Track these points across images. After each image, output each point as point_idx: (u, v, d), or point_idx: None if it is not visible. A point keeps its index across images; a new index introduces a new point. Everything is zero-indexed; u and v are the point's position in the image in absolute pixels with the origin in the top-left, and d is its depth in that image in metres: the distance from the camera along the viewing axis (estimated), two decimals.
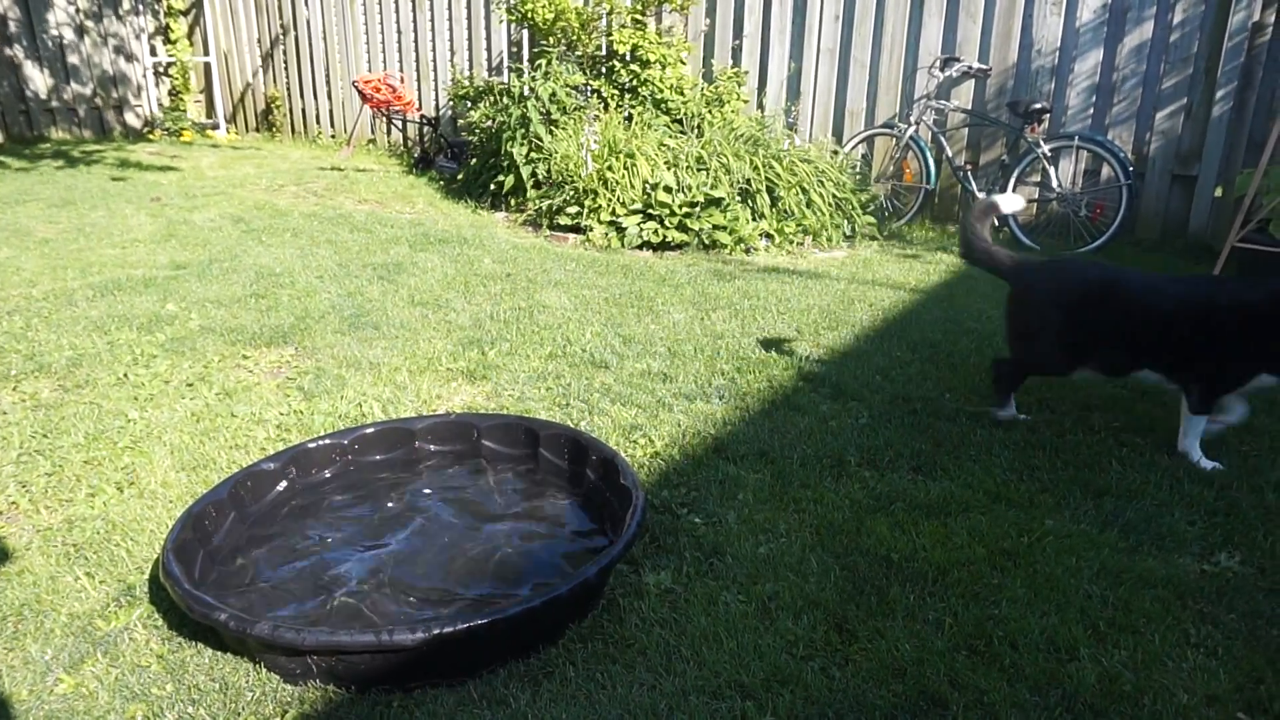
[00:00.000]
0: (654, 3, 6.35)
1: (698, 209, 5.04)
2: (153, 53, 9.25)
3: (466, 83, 7.29)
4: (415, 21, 7.97)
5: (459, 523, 2.17)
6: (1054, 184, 5.39)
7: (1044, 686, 1.62)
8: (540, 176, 5.73)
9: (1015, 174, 5.47)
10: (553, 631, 1.73)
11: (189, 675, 1.65)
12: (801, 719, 1.55)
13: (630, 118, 5.94)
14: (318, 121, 8.99)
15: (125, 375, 3.01)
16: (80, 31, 8.61)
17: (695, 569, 1.98)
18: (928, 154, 5.73)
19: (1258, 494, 2.32)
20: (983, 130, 5.77)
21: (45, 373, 3.03)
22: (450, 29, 7.76)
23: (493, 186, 6.06)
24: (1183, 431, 2.51)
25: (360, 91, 7.39)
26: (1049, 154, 5.32)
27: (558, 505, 2.25)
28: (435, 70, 7.98)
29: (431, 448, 2.46)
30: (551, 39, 6.41)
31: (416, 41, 8.01)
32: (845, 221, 5.42)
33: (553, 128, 5.86)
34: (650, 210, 5.08)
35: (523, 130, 5.84)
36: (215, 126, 9.51)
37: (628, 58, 6.26)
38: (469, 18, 7.63)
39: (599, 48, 6.50)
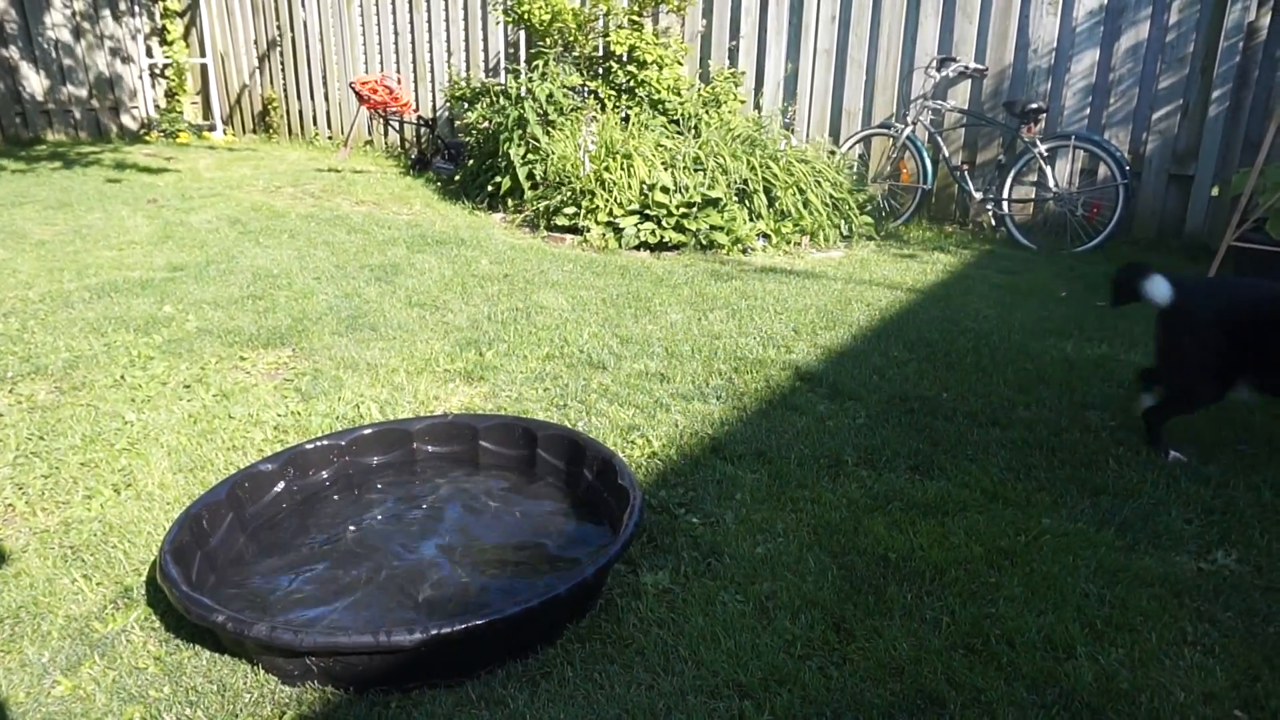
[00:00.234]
0: (651, 4, 6.35)
1: (695, 209, 5.05)
2: (149, 54, 9.24)
3: (463, 84, 7.29)
4: (412, 23, 7.96)
5: (456, 523, 2.17)
6: (1050, 183, 5.40)
7: (1041, 685, 1.62)
8: (537, 177, 5.73)
9: (1012, 174, 5.48)
10: (551, 632, 1.73)
11: (187, 677, 1.65)
12: (799, 718, 1.55)
13: (627, 118, 5.94)
14: (315, 123, 8.98)
15: (122, 377, 3.01)
16: (76, 33, 8.60)
17: (693, 569, 1.98)
18: (924, 154, 5.74)
19: (1254, 492, 2.32)
20: (979, 130, 5.78)
21: (42, 375, 3.03)
22: (447, 30, 7.76)
23: (490, 187, 6.06)
24: None
25: (357, 93, 7.39)
26: (1045, 154, 5.33)
27: (555, 506, 2.25)
28: (432, 71, 7.97)
29: (429, 449, 2.46)
30: (548, 40, 6.41)
31: (413, 43, 8.01)
32: (842, 221, 5.42)
33: (550, 129, 5.86)
34: (647, 211, 5.09)
35: (520, 131, 5.84)
36: (212, 128, 9.50)
37: (625, 58, 6.26)
38: (466, 19, 7.63)
39: (596, 48, 6.51)
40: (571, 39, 6.40)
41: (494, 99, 6.41)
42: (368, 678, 1.60)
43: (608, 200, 5.22)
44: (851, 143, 6.07)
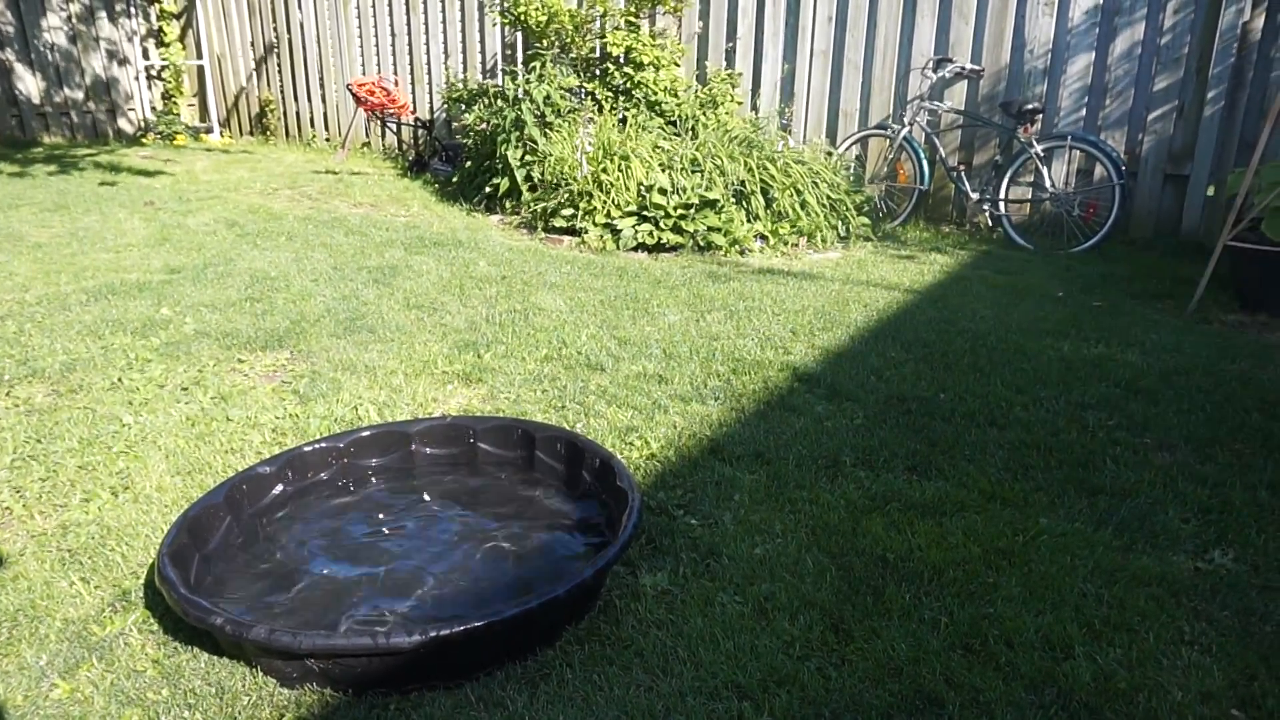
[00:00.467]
0: (647, 5, 6.36)
1: (692, 211, 5.05)
2: (145, 56, 9.23)
3: (461, 85, 7.29)
4: (409, 24, 7.96)
5: (454, 525, 2.17)
6: (1047, 184, 5.41)
7: (1039, 685, 1.62)
8: (535, 179, 5.73)
9: (1008, 174, 5.49)
10: (550, 633, 1.74)
11: (185, 680, 1.65)
12: (798, 719, 1.55)
13: (625, 120, 5.95)
14: (312, 125, 8.98)
15: (119, 380, 3.01)
16: (73, 35, 8.60)
17: (692, 570, 1.98)
18: (921, 155, 5.75)
19: (1251, 492, 2.33)
20: (976, 131, 5.79)
21: (39, 377, 3.02)
22: (444, 32, 7.77)
23: (487, 189, 6.06)
24: None
25: (354, 95, 7.39)
26: (1042, 154, 5.34)
27: (554, 507, 2.25)
28: (429, 73, 7.97)
29: (427, 450, 2.46)
30: (545, 41, 6.42)
31: (410, 44, 8.01)
32: (840, 223, 5.43)
33: (547, 130, 5.87)
34: (645, 212, 5.09)
35: (517, 133, 5.84)
36: (209, 130, 9.49)
37: (621, 60, 6.27)
38: (463, 20, 7.63)
39: (593, 50, 6.51)
40: (568, 40, 6.40)
41: (491, 101, 6.41)
42: (366, 680, 1.60)
43: (605, 202, 5.22)
44: (848, 144, 6.08)
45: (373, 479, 2.38)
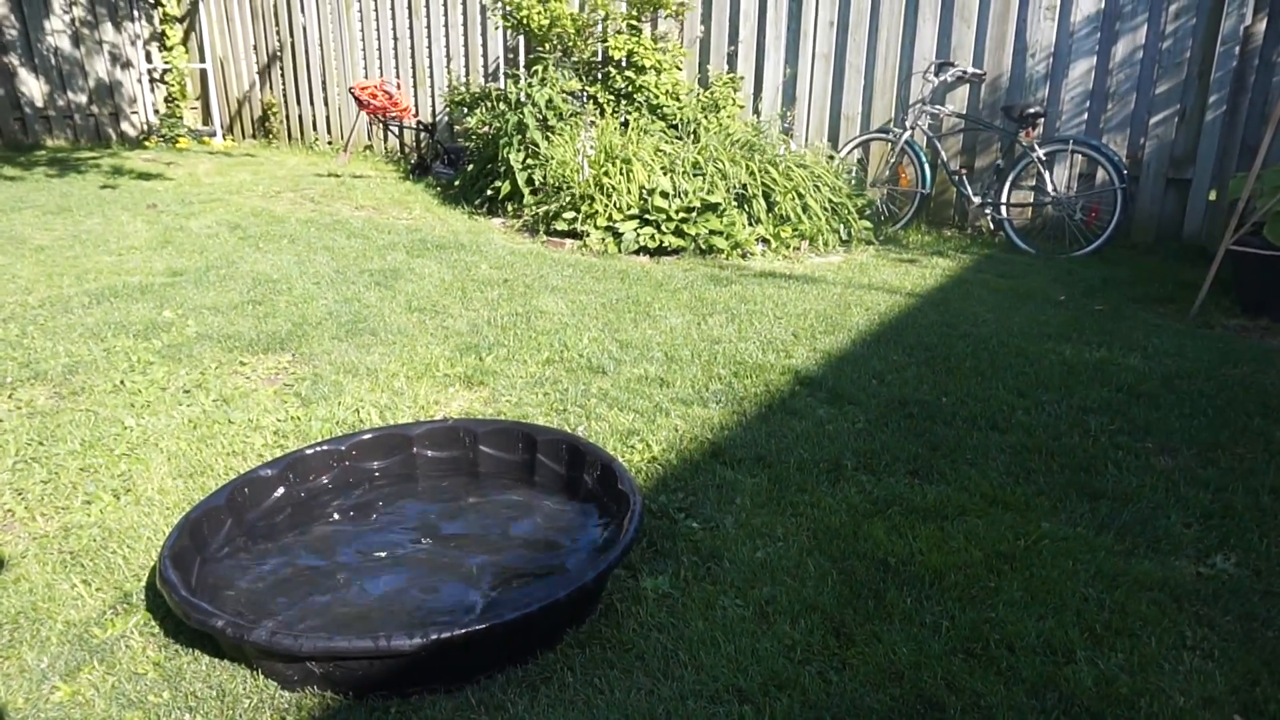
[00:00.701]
0: (649, 9, 6.37)
1: (694, 214, 5.05)
2: (148, 59, 9.25)
3: (463, 89, 7.30)
4: (411, 28, 7.98)
5: (455, 528, 2.17)
6: (1049, 188, 5.41)
7: (1041, 689, 1.62)
8: (537, 182, 5.74)
9: (1010, 178, 5.49)
10: (551, 637, 1.73)
11: (186, 682, 1.65)
12: None
13: (626, 123, 5.96)
14: (314, 128, 8.99)
15: (122, 382, 3.01)
16: (76, 39, 8.62)
17: (693, 573, 1.98)
18: (923, 159, 5.75)
19: (1253, 496, 2.33)
20: (978, 135, 5.79)
21: (41, 380, 3.03)
22: (446, 35, 7.78)
23: (489, 192, 6.06)
24: None
25: (357, 98, 7.40)
26: (1044, 158, 5.34)
27: (555, 510, 2.25)
28: (432, 76, 7.99)
29: (429, 453, 2.46)
30: (547, 45, 6.43)
31: (413, 48, 8.02)
32: (841, 226, 5.43)
33: (549, 134, 5.87)
34: (647, 215, 5.09)
35: (519, 136, 5.85)
36: (212, 133, 9.51)
37: (623, 64, 6.28)
38: (465, 24, 7.65)
39: (594, 54, 6.52)
40: (570, 44, 6.41)
41: (493, 104, 6.42)
42: (368, 683, 1.60)
43: (607, 205, 5.23)
44: (850, 147, 6.08)
45: (374, 481, 2.38)
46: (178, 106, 9.46)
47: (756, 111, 6.43)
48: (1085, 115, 5.46)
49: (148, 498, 2.30)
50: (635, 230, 5.07)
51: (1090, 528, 2.17)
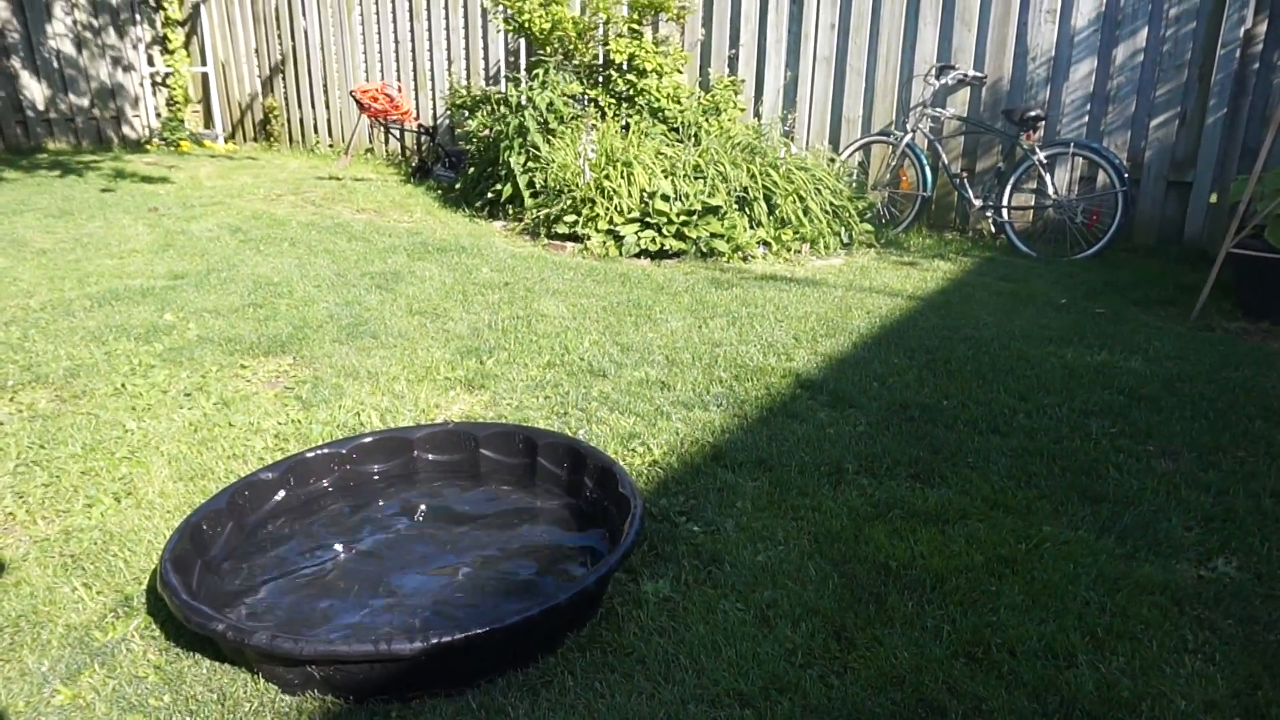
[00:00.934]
0: (650, 12, 6.38)
1: (695, 217, 5.06)
2: (150, 63, 9.27)
3: (464, 92, 7.31)
4: (413, 31, 7.99)
5: (456, 532, 2.17)
6: (1050, 191, 5.41)
7: (1042, 693, 1.62)
8: (538, 185, 5.75)
9: (1011, 181, 5.49)
10: (551, 641, 1.73)
11: (186, 686, 1.65)
12: None
13: (627, 127, 5.96)
14: (315, 131, 9.01)
15: (123, 385, 3.01)
16: (78, 42, 8.63)
17: (694, 577, 1.98)
18: (924, 161, 5.75)
19: (1254, 499, 2.32)
20: (979, 138, 5.80)
21: (42, 383, 3.03)
22: (448, 38, 7.79)
23: (490, 195, 6.07)
24: None
25: (358, 101, 7.41)
26: (1045, 161, 5.35)
27: (556, 514, 2.25)
28: (433, 79, 8.00)
29: (430, 457, 2.46)
30: (548, 48, 6.44)
31: (414, 51, 8.04)
32: (842, 229, 5.43)
33: (550, 137, 5.88)
34: (648, 219, 5.10)
35: (520, 139, 5.85)
36: (213, 137, 9.53)
37: (624, 67, 6.28)
38: (466, 27, 7.66)
39: (596, 57, 6.53)
40: (571, 47, 6.42)
41: (494, 107, 6.42)
42: (368, 687, 1.60)
43: (608, 208, 5.23)
44: (851, 150, 6.08)
45: (374, 485, 2.38)
46: (179, 110, 9.48)
47: (757, 115, 6.44)
48: (1086, 118, 5.46)
49: (148, 501, 2.30)
50: (636, 233, 5.07)
51: (1091, 531, 2.17)
